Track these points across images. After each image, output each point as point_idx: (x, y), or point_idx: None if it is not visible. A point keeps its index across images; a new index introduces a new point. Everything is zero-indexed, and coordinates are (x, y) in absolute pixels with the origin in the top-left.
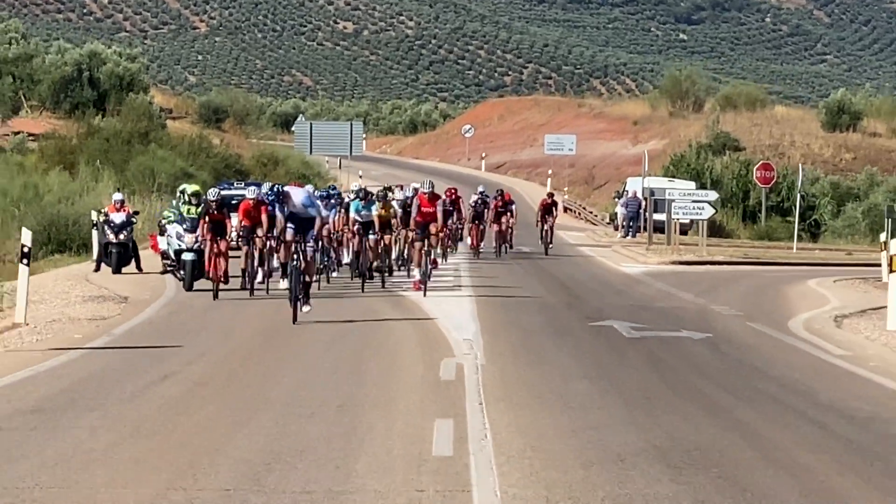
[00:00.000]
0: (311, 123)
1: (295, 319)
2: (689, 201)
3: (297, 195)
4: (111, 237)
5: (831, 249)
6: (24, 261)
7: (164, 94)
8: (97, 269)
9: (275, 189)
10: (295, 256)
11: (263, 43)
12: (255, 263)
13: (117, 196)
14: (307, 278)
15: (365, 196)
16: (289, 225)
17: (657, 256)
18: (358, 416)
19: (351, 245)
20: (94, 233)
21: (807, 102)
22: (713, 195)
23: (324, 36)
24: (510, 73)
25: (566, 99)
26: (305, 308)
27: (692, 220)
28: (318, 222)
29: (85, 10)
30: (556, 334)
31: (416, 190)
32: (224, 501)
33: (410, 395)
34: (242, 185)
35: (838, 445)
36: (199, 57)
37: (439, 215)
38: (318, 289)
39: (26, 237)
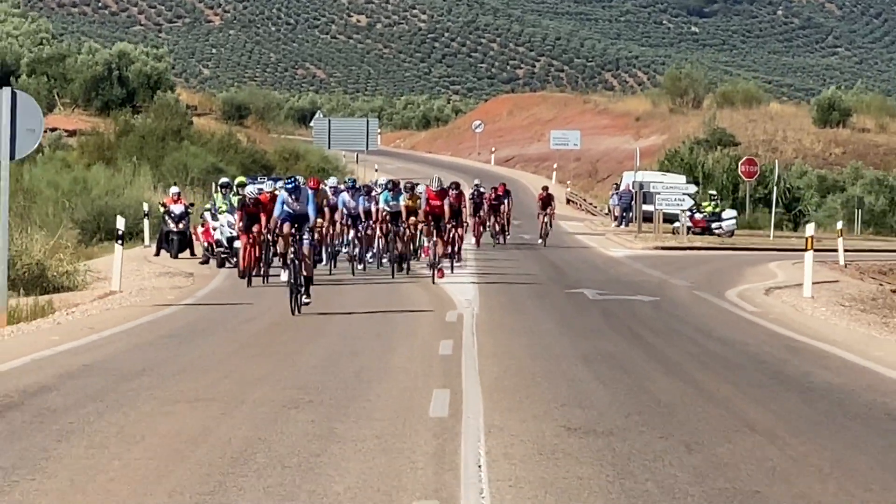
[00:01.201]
0: (329, 120)
1: (294, 311)
2: (671, 193)
3: (305, 192)
4: (171, 226)
5: (802, 236)
6: (119, 241)
7: (187, 91)
8: (157, 253)
9: (293, 180)
10: (293, 248)
11: (277, 36)
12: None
13: (174, 189)
14: (305, 272)
15: (394, 188)
16: (284, 218)
17: (643, 243)
18: (391, 340)
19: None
20: (146, 222)
21: (818, 95)
22: (692, 188)
23: (337, 29)
24: (522, 66)
25: (572, 95)
26: (305, 299)
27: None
28: (311, 218)
29: (100, 4)
30: (536, 297)
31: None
32: (303, 376)
33: (425, 329)
34: (265, 179)
35: (716, 361)
36: (214, 50)
37: (446, 208)
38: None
39: (120, 223)
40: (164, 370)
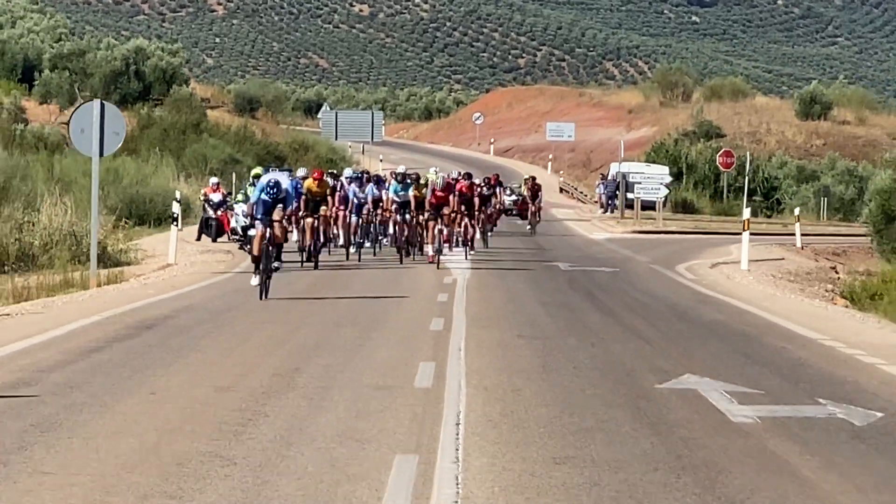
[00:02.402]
0: (336, 112)
1: (261, 296)
2: (649, 183)
3: (285, 181)
4: (210, 213)
5: (774, 223)
6: (175, 223)
7: (200, 85)
8: (198, 238)
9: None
10: (266, 236)
11: (280, 26)
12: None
13: (213, 179)
14: (279, 239)
15: (403, 179)
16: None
17: (622, 227)
18: (404, 293)
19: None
20: (178, 207)
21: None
22: (668, 178)
23: (340, 19)
24: (524, 55)
25: (568, 88)
26: (276, 264)
27: (666, 198)
28: (289, 202)
29: None
30: (517, 267)
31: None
32: (342, 311)
33: (427, 288)
34: (278, 170)
35: (640, 307)
36: (217, 40)
37: (451, 199)
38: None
39: (176, 208)
40: (244, 308)
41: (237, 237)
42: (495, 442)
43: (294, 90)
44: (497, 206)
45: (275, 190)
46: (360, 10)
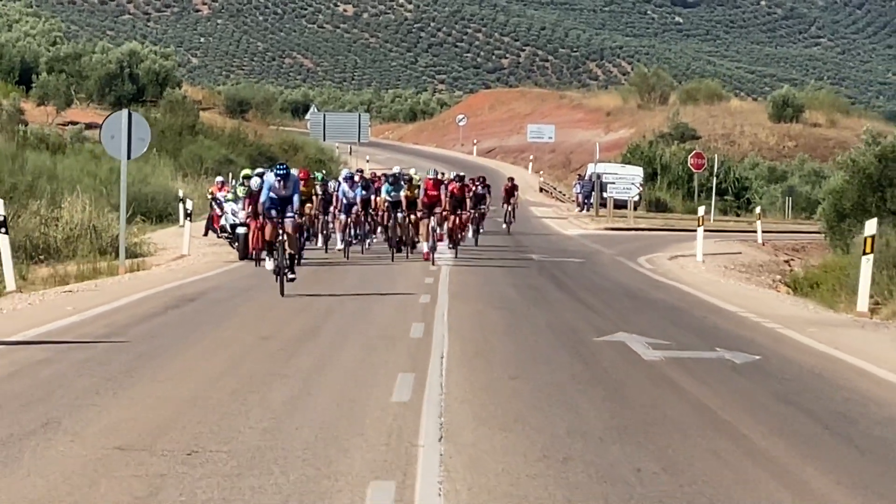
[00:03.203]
0: (324, 114)
1: (283, 292)
2: (622, 182)
3: (293, 178)
4: (217, 210)
5: (742, 220)
6: (189, 218)
7: (191, 87)
8: (205, 234)
9: (285, 167)
10: (279, 232)
11: (265, 26)
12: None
13: (219, 178)
14: (290, 249)
15: (395, 180)
16: (269, 205)
17: (596, 224)
18: (395, 279)
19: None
20: (181, 206)
21: (800, 85)
22: (638, 178)
23: (324, 19)
24: (507, 55)
25: (549, 91)
26: (291, 275)
27: (640, 198)
28: (296, 204)
29: None
30: (495, 259)
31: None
32: (342, 292)
33: (416, 274)
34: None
35: (597, 288)
36: (202, 40)
37: (443, 197)
38: (346, 257)
39: (189, 204)
40: (265, 287)
41: (226, 235)
42: (469, 368)
43: (281, 91)
44: (489, 206)
45: (283, 182)
46: (345, 11)
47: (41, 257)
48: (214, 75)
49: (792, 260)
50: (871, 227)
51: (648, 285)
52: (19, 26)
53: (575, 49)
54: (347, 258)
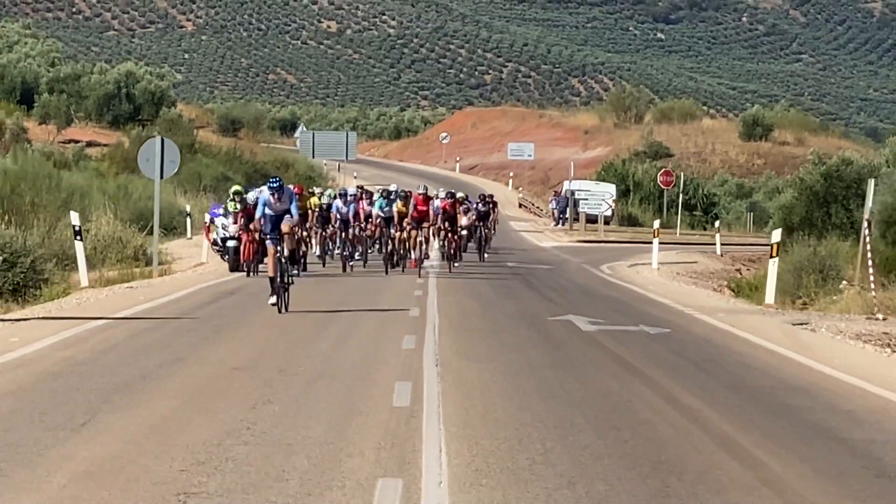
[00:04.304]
0: (312, 132)
1: (281, 309)
2: (594, 198)
3: (288, 192)
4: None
5: (706, 234)
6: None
7: (186, 106)
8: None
9: (278, 180)
10: (278, 249)
11: (249, 42)
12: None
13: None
14: (289, 250)
15: (388, 196)
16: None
17: (569, 237)
18: (387, 287)
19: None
20: (189, 220)
21: (781, 101)
22: (609, 195)
23: (308, 35)
24: (490, 71)
25: (530, 110)
26: (293, 270)
27: (613, 213)
28: (294, 217)
29: (74, 10)
30: (475, 267)
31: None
32: (345, 293)
33: (410, 279)
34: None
35: (561, 287)
36: (186, 55)
37: (431, 213)
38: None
39: (207, 218)
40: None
41: (217, 248)
42: (454, 332)
43: (270, 109)
44: (495, 222)
45: (277, 195)
46: (328, 27)
47: (73, 266)
48: (199, 91)
49: (743, 268)
50: (776, 236)
51: (603, 285)
52: (19, 47)
53: (557, 65)
54: (344, 271)
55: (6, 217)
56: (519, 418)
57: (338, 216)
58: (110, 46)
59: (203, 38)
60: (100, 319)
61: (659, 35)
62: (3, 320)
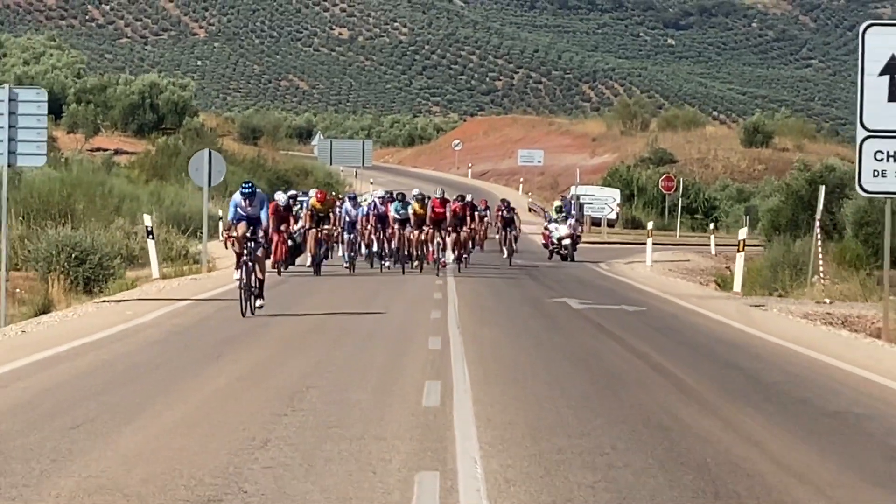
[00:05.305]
0: (330, 141)
1: (244, 313)
2: (597, 202)
3: (260, 197)
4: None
5: (705, 235)
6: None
7: (207, 115)
8: None
9: (250, 185)
10: (247, 250)
11: (261, 49)
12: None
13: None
14: (259, 275)
15: (402, 199)
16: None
17: None
18: (408, 285)
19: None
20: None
21: (791, 106)
22: (612, 199)
23: (320, 42)
24: (501, 77)
25: (540, 118)
26: (259, 302)
27: (617, 216)
28: (263, 222)
29: (87, 17)
30: (487, 265)
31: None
32: (370, 292)
33: (426, 278)
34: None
35: (561, 280)
36: (199, 63)
37: (448, 215)
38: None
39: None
40: (320, 282)
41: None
42: (470, 309)
43: (286, 118)
44: (520, 228)
45: (248, 200)
46: (340, 34)
47: (122, 264)
48: (211, 98)
49: (733, 265)
50: (742, 233)
51: (598, 277)
52: (45, 59)
53: (568, 71)
54: (353, 272)
55: (63, 220)
56: (516, 357)
57: (346, 217)
58: (123, 54)
59: (216, 45)
60: (186, 300)
61: (669, 41)
62: (107, 301)
